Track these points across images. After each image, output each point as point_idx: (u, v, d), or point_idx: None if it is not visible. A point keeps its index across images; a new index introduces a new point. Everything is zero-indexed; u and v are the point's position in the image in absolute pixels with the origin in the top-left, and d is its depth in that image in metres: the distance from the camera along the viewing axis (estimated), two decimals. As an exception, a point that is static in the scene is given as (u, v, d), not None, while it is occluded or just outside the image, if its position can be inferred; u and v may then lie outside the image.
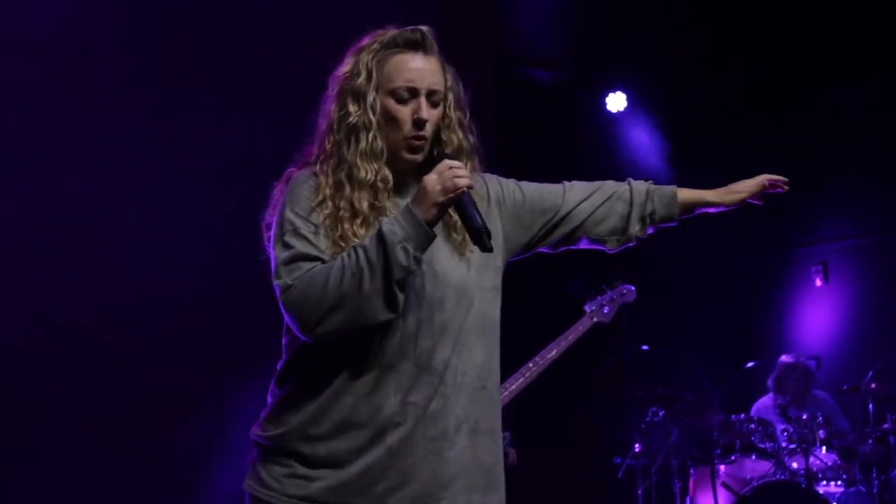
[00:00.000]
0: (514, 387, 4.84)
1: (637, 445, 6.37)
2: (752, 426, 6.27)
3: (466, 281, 2.39)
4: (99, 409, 5.37)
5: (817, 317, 7.85)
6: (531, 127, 7.75)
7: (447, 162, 2.27)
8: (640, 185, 2.65)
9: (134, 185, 5.54)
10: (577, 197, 2.60)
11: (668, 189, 2.65)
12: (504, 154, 7.60)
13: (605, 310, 4.90)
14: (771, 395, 6.74)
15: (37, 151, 5.41)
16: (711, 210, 2.68)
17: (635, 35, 7.77)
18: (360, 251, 2.21)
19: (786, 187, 2.71)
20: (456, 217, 2.35)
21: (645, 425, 6.38)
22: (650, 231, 2.66)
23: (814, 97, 7.70)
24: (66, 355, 5.37)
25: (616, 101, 8.00)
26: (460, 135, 2.44)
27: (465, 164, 2.39)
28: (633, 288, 4.98)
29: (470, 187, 2.27)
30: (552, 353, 4.84)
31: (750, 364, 6.91)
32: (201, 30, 5.72)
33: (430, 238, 2.24)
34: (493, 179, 2.56)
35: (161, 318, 5.52)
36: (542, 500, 6.99)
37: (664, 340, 6.92)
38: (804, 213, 7.94)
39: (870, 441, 6.24)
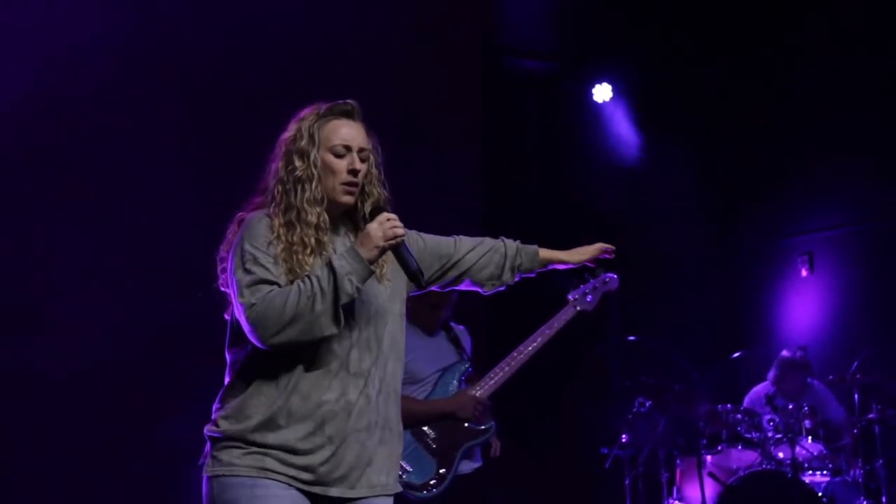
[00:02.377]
0: (498, 376, 4.84)
1: (624, 436, 6.37)
2: (739, 416, 6.29)
3: (385, 306, 2.96)
4: (98, 409, 5.37)
5: (803, 307, 7.86)
6: (518, 116, 7.75)
7: (386, 214, 2.85)
8: (511, 243, 3.32)
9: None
10: (466, 248, 3.22)
11: (532, 248, 3.32)
12: (492, 142, 7.68)
13: (589, 298, 4.89)
14: (765, 384, 6.74)
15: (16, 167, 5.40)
16: (560, 267, 3.37)
17: (622, 27, 7.77)
18: (315, 279, 2.74)
19: (612, 255, 3.42)
20: (396, 260, 2.91)
21: (632, 415, 6.38)
22: (517, 279, 3.32)
23: (798, 88, 7.70)
24: (67, 354, 5.36)
25: (602, 92, 8.01)
26: (379, 188, 2.99)
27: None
28: (615, 276, 4.97)
29: (404, 236, 2.84)
30: (536, 342, 4.84)
31: (736, 354, 6.92)
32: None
33: (370, 273, 2.81)
34: (409, 232, 3.06)
35: (161, 316, 5.52)
36: (530, 491, 7.01)
37: (651, 331, 6.92)
38: (790, 203, 7.96)
39: (855, 431, 6.26)
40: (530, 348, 4.83)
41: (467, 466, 4.82)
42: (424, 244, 3.15)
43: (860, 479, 6.15)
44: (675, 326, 7.37)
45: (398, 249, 2.85)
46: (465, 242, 3.25)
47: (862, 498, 6.09)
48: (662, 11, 7.85)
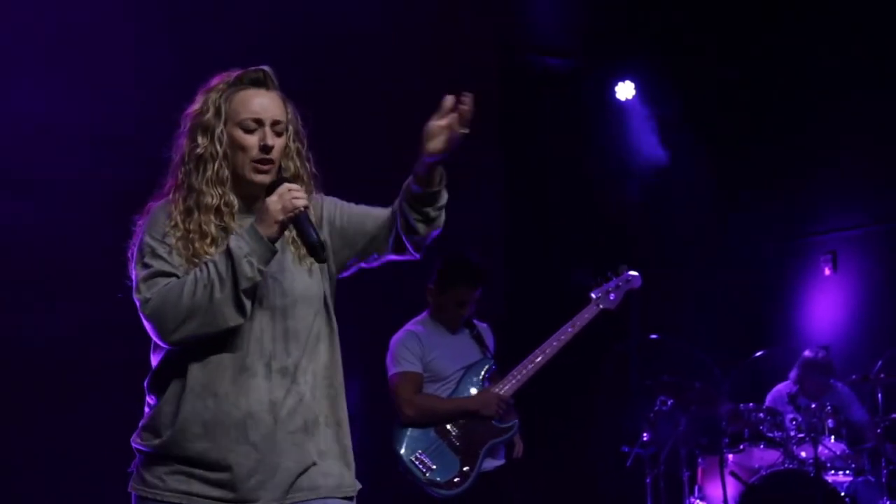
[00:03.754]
0: (522, 374, 4.85)
1: (645, 434, 6.35)
2: (761, 415, 6.26)
3: (310, 291, 2.66)
4: (101, 409, 5.38)
5: (826, 306, 7.82)
6: (540, 114, 7.74)
7: (286, 185, 2.54)
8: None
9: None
10: (384, 214, 2.71)
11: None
12: (513, 142, 7.67)
13: (612, 296, 4.91)
14: (787, 383, 6.70)
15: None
16: (429, 159, 2.55)
17: (644, 24, 7.75)
18: (211, 265, 2.49)
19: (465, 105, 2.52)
20: (295, 233, 2.62)
21: (653, 414, 6.36)
22: (409, 216, 2.60)
23: (822, 85, 7.66)
24: (67, 352, 5.38)
25: (624, 90, 7.98)
26: (298, 163, 2.69)
27: (302, 189, 2.62)
28: (637, 274, 4.99)
29: (306, 207, 2.53)
30: (559, 340, 4.85)
31: (759, 353, 6.89)
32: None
33: (272, 252, 2.52)
34: (329, 201, 2.76)
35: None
36: (550, 489, 7.00)
37: (673, 329, 6.90)
38: (813, 201, 7.93)
39: (878, 430, 6.23)
40: (553, 346, 4.85)
41: (490, 464, 4.83)
42: (349, 217, 2.73)
43: (883, 479, 6.11)
44: (697, 325, 7.35)
45: (298, 221, 2.53)
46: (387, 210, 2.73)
47: (885, 498, 6.06)
48: (686, 9, 7.82)
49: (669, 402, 6.31)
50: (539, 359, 4.85)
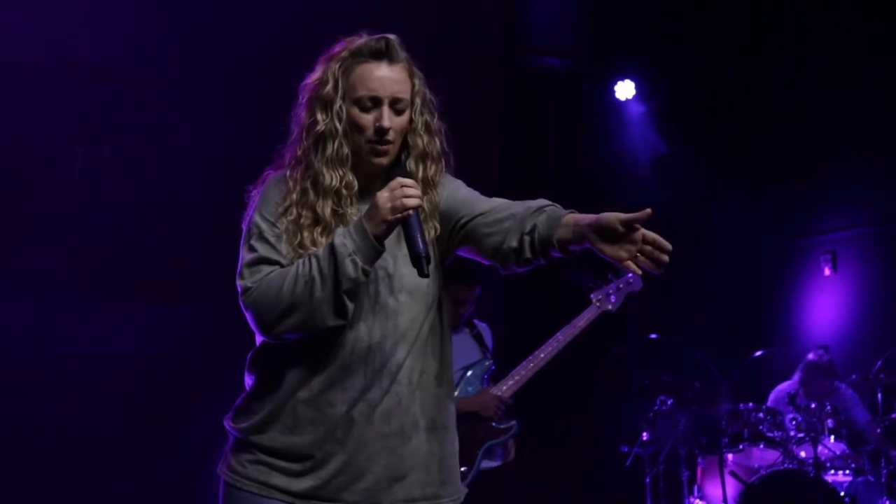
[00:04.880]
0: (521, 375, 4.85)
1: (645, 434, 6.36)
2: (761, 415, 6.26)
3: (422, 287, 2.45)
4: (110, 407, 5.39)
5: (826, 306, 7.83)
6: (540, 114, 7.75)
7: (399, 180, 2.32)
8: (536, 203, 2.35)
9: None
10: (489, 206, 2.40)
11: (563, 211, 2.33)
12: (513, 141, 7.68)
13: (612, 298, 4.91)
14: (790, 382, 6.70)
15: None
16: (600, 254, 2.27)
17: (644, 23, 7.76)
18: (314, 260, 2.31)
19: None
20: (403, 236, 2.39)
21: (653, 414, 6.37)
22: (538, 259, 2.31)
23: (822, 85, 7.67)
24: (84, 351, 5.40)
25: (624, 90, 7.98)
26: (426, 139, 2.47)
27: (431, 168, 2.46)
28: (638, 275, 4.98)
29: (418, 208, 2.31)
30: (559, 341, 4.85)
31: (758, 353, 6.90)
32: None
33: (378, 252, 2.32)
34: (449, 185, 2.51)
35: (161, 314, 5.54)
36: (550, 489, 7.01)
37: (673, 329, 6.91)
38: (813, 202, 7.94)
39: (878, 430, 6.23)
40: (553, 347, 4.85)
41: (488, 465, 4.83)
42: (458, 201, 2.47)
43: (883, 480, 6.12)
44: (697, 325, 7.36)
45: (407, 224, 2.30)
46: (497, 202, 2.43)
47: (885, 498, 6.07)
48: (685, 9, 7.83)
49: (669, 402, 6.32)
50: (538, 360, 4.85)
